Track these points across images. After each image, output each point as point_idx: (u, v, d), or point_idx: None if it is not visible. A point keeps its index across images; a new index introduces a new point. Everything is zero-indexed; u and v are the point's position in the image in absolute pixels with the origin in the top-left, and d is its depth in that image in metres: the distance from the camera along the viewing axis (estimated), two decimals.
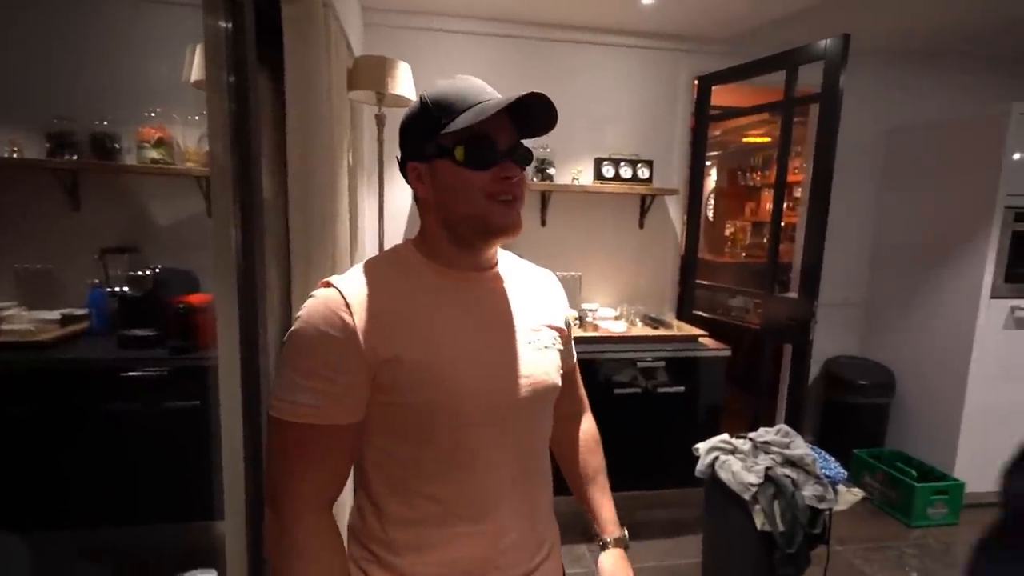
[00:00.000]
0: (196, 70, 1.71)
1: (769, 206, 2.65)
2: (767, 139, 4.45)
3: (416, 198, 0.74)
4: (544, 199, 2.77)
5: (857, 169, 3.02)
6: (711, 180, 5.21)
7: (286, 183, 1.40)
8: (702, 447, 1.95)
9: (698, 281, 2.99)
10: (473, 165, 0.67)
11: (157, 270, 2.06)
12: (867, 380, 2.90)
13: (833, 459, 1.87)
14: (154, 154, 2.06)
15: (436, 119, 0.67)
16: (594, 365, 2.33)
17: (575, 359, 0.93)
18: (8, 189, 2.04)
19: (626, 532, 0.92)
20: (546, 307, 0.82)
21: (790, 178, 3.34)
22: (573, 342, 0.92)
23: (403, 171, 0.73)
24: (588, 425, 0.97)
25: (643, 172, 2.73)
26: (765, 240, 2.68)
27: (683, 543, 2.32)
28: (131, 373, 1.82)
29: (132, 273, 2.02)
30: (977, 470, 2.61)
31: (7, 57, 2.00)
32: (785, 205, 3.70)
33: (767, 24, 2.58)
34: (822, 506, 1.72)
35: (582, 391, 0.97)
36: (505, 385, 0.72)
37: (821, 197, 2.24)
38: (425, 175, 0.71)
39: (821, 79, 2.22)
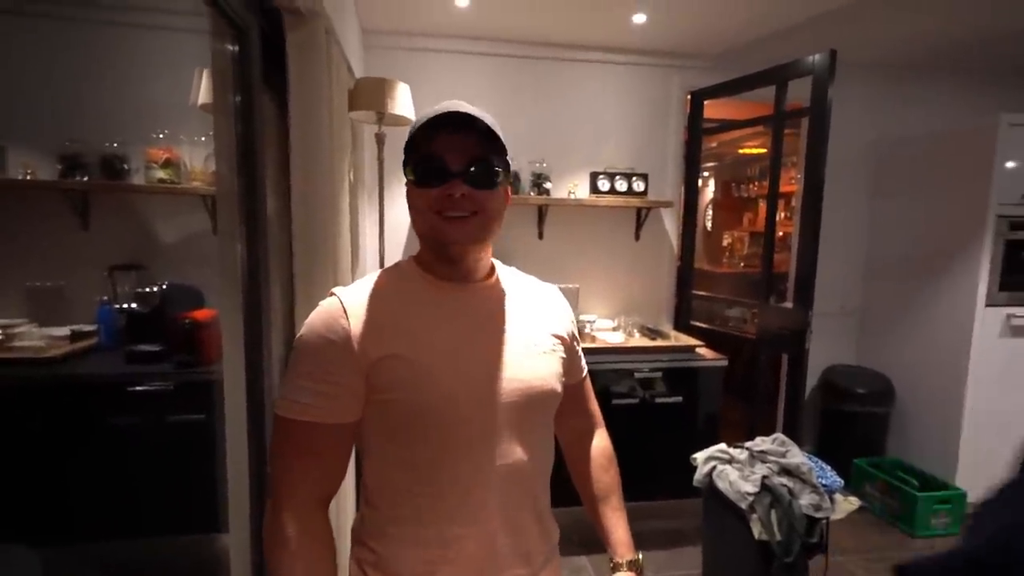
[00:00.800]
0: (203, 93, 1.77)
1: (765, 216, 2.69)
2: (763, 150, 4.50)
3: None
4: (541, 213, 2.82)
5: (849, 180, 3.07)
6: (708, 191, 5.26)
7: (289, 201, 1.45)
8: (700, 457, 1.97)
9: (694, 291, 3.02)
10: (421, 184, 0.72)
11: (164, 286, 2.10)
12: (865, 389, 2.91)
13: (830, 468, 1.88)
14: (161, 174, 2.12)
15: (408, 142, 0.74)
16: (591, 376, 2.32)
17: (584, 372, 0.95)
18: (21, 210, 2.10)
19: (640, 556, 0.90)
20: (547, 316, 0.85)
21: (785, 188, 3.39)
22: (582, 355, 0.94)
23: None
24: (600, 442, 0.97)
25: (638, 185, 2.78)
26: (762, 250, 2.72)
27: (682, 554, 2.32)
28: (138, 387, 1.85)
29: (139, 290, 2.06)
30: (979, 479, 2.61)
31: (22, 83, 2.07)
32: (782, 215, 3.75)
33: (757, 40, 2.64)
34: (819, 515, 1.73)
35: (594, 406, 0.98)
36: (489, 386, 0.74)
37: (813, 208, 2.28)
38: (407, 194, 0.77)
39: (810, 93, 2.27)
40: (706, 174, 5.13)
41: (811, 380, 3.10)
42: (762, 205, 4.44)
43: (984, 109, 2.90)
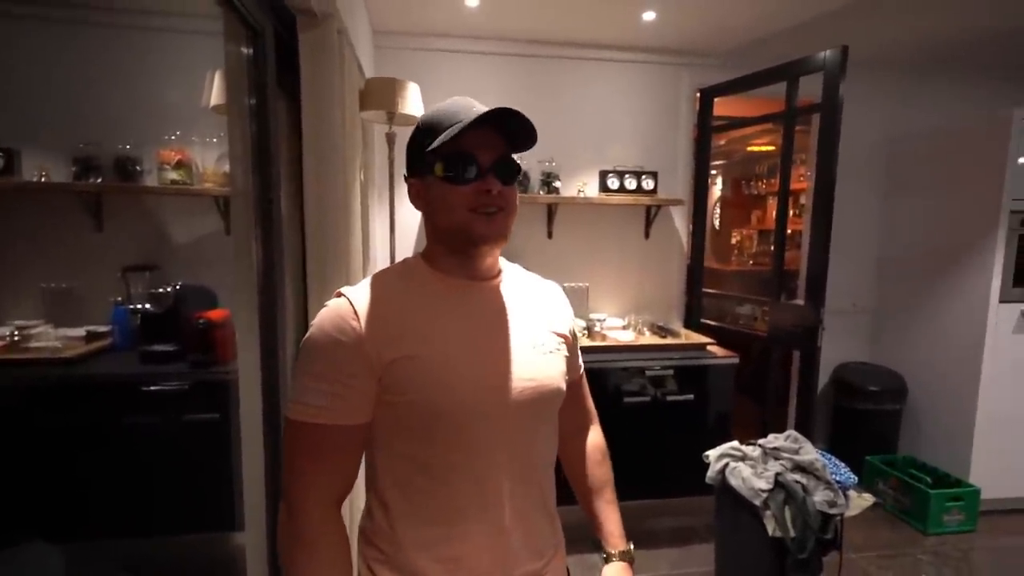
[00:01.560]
0: (215, 95, 1.78)
1: (775, 214, 2.68)
2: (772, 148, 4.47)
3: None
4: (551, 212, 2.82)
5: (861, 176, 3.05)
6: (717, 189, 5.23)
7: (302, 202, 1.46)
8: (712, 454, 1.96)
9: (705, 289, 3.01)
10: (453, 180, 0.72)
11: (177, 287, 2.12)
12: (877, 386, 2.89)
13: (843, 464, 1.87)
14: (174, 175, 2.14)
15: (424, 139, 0.73)
16: (603, 375, 2.35)
17: (582, 369, 0.95)
18: (36, 212, 2.12)
19: (632, 546, 0.92)
20: (551, 314, 0.85)
21: (795, 186, 3.37)
22: (580, 352, 0.94)
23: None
24: (595, 437, 0.98)
25: (648, 183, 2.78)
26: (772, 248, 2.71)
27: (695, 551, 2.32)
28: (153, 387, 1.87)
29: (153, 290, 2.08)
30: (993, 476, 2.60)
31: (36, 87, 2.09)
32: (792, 212, 3.73)
33: (766, 37, 2.63)
34: (833, 511, 1.73)
35: (590, 402, 0.99)
36: (504, 385, 0.74)
37: (824, 205, 2.27)
38: (420, 191, 0.76)
39: (821, 90, 2.26)
40: (715, 172, 5.10)
41: (823, 377, 3.08)
42: (771, 203, 4.42)
43: (995, 105, 2.86)
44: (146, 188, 2.17)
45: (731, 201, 5.10)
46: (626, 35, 2.65)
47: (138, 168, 2.16)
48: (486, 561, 0.74)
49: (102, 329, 2.10)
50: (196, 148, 2.20)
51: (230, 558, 1.84)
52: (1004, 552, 2.43)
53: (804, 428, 2.30)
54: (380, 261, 2.47)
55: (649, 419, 2.41)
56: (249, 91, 1.26)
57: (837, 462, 1.88)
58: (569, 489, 0.96)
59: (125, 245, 2.21)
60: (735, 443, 1.98)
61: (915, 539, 2.49)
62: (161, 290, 2.09)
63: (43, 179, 2.05)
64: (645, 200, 2.77)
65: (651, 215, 2.92)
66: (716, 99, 2.83)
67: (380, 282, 0.76)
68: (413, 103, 2.03)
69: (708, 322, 2.93)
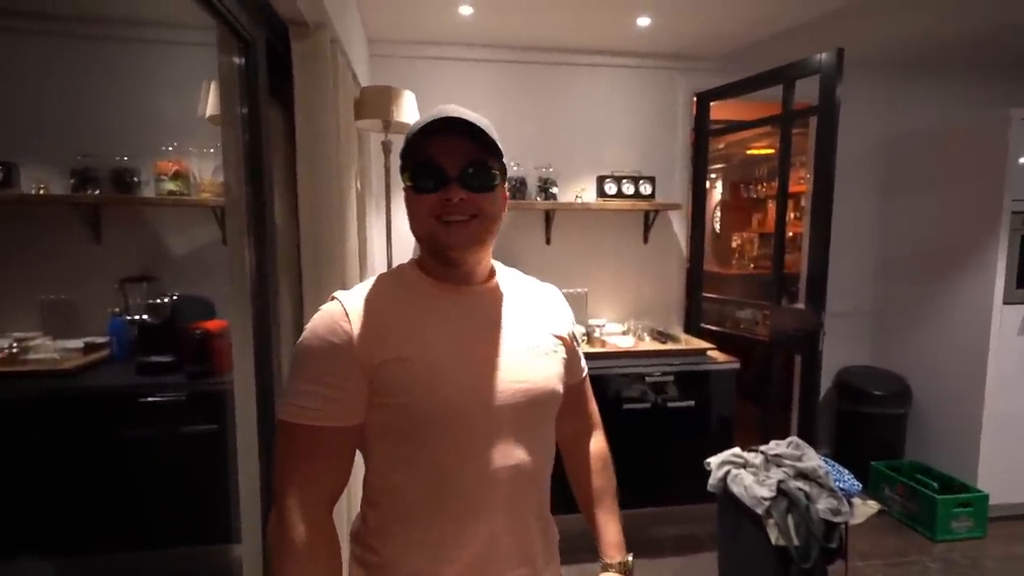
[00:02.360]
0: (211, 105, 1.78)
1: (774, 217, 2.67)
2: (771, 150, 4.47)
3: None
4: (548, 218, 2.81)
5: (859, 178, 3.04)
6: (717, 193, 5.22)
7: (297, 210, 1.46)
8: (713, 461, 1.94)
9: (705, 294, 2.99)
10: (417, 189, 0.73)
11: (174, 298, 2.12)
12: (881, 390, 2.86)
13: (847, 471, 1.85)
14: (171, 186, 2.15)
15: (403, 149, 0.74)
16: (602, 381, 2.34)
17: (584, 373, 0.94)
18: (34, 224, 2.13)
19: (631, 557, 0.90)
20: (548, 316, 0.85)
21: (795, 188, 3.35)
22: (582, 355, 0.93)
23: None
24: (598, 444, 0.97)
25: (645, 188, 2.77)
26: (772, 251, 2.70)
27: (697, 560, 2.28)
28: (151, 399, 1.86)
29: (151, 301, 2.09)
30: (1001, 480, 2.56)
31: (33, 100, 2.10)
32: (792, 215, 3.71)
33: (762, 41, 2.63)
34: (837, 519, 1.70)
35: (593, 407, 0.97)
36: (492, 387, 0.74)
37: (823, 207, 2.25)
38: (406, 199, 0.77)
39: (818, 92, 2.25)
40: (713, 176, 5.10)
41: (825, 382, 3.05)
42: (771, 206, 4.40)
43: (993, 104, 2.86)
44: (144, 199, 2.18)
45: (731, 204, 5.09)
46: (621, 41, 2.66)
47: (135, 179, 2.17)
48: (477, 565, 0.74)
49: (100, 340, 2.10)
50: (193, 158, 2.21)
51: (227, 571, 1.82)
52: (1016, 559, 2.39)
53: (807, 433, 2.27)
54: (377, 269, 2.47)
55: (649, 426, 2.39)
56: (241, 101, 1.27)
57: (840, 469, 1.85)
58: (571, 496, 0.95)
59: (123, 256, 2.22)
60: (736, 450, 1.96)
61: (923, 546, 2.45)
62: (159, 301, 2.09)
63: (41, 191, 2.05)
64: (643, 205, 2.76)
65: (649, 220, 2.91)
66: (713, 103, 2.83)
67: (373, 286, 0.77)
68: (408, 111, 2.03)
69: (708, 327, 2.91)
